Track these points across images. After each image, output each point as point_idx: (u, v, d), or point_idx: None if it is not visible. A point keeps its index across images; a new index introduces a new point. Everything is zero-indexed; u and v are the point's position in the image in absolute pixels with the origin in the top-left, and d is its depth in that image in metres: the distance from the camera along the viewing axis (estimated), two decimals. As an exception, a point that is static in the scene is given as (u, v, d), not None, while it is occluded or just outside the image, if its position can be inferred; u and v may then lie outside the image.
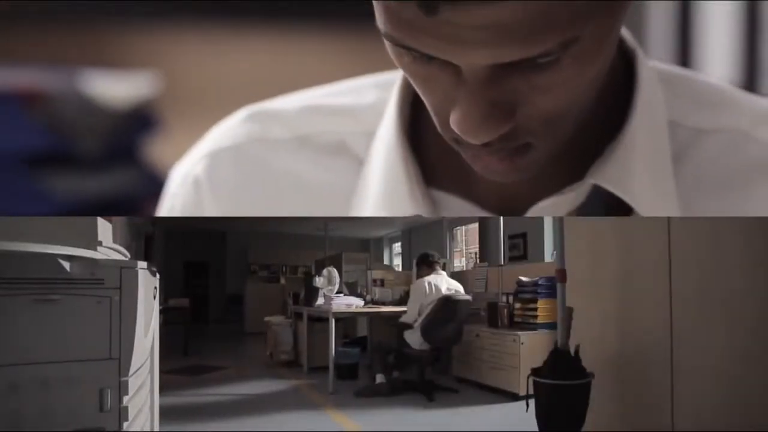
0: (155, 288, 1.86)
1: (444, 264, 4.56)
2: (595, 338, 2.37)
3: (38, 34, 2.39)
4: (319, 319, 4.89)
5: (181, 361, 5.58)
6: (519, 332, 3.72)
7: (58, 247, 1.29)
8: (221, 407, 3.63)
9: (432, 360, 4.03)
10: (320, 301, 4.96)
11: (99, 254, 1.42)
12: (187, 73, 2.44)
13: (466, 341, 4.16)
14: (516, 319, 4.01)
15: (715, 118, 0.86)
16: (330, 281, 5.09)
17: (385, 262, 10.72)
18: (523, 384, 2.38)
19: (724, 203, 0.84)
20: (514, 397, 3.56)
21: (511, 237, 6.20)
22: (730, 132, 0.85)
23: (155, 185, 1.23)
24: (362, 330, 5.97)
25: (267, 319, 5.88)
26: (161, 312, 4.20)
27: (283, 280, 9.96)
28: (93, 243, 1.40)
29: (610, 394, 2.31)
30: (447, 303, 3.87)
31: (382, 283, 6.16)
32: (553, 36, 0.66)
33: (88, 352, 1.35)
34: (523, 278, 4.06)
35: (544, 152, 0.78)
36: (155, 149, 1.34)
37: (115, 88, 1.18)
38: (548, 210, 0.85)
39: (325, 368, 4.19)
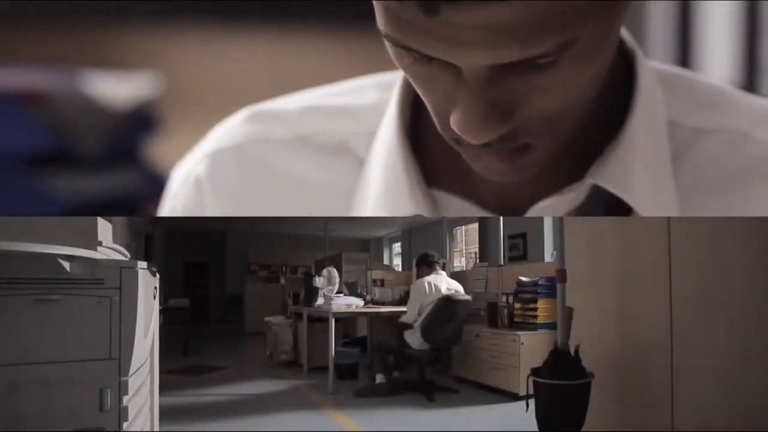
0: (155, 288, 1.86)
1: (444, 264, 4.56)
2: (595, 338, 2.37)
3: (38, 35, 2.39)
4: (319, 319, 4.89)
5: (181, 361, 5.58)
6: (519, 332, 3.72)
7: (58, 247, 1.29)
8: (221, 407, 3.64)
9: (432, 360, 4.03)
10: (320, 301, 4.97)
11: (99, 254, 1.42)
12: (187, 74, 2.44)
13: (466, 341, 4.16)
14: (516, 319, 4.01)
15: (715, 118, 0.86)
16: (330, 281, 5.10)
17: (385, 262, 10.72)
18: (523, 384, 2.38)
19: (724, 203, 0.85)
20: (514, 397, 3.56)
21: (511, 237, 6.20)
22: (730, 132, 0.86)
23: (156, 185, 1.23)
24: (362, 330, 5.97)
25: (267, 319, 5.88)
26: (161, 312, 4.20)
27: (283, 280, 9.96)
28: (93, 243, 1.40)
29: (610, 394, 2.32)
30: (447, 303, 3.87)
31: (382, 283, 6.17)
32: (552, 37, 0.66)
33: (88, 352, 1.36)
34: (523, 278, 4.06)
35: (543, 152, 0.78)
36: (156, 149, 1.34)
37: (115, 88, 1.18)
38: (548, 210, 0.85)
39: (325, 368, 4.19)
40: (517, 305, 4.02)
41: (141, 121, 1.24)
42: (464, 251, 8.70)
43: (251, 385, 4.39)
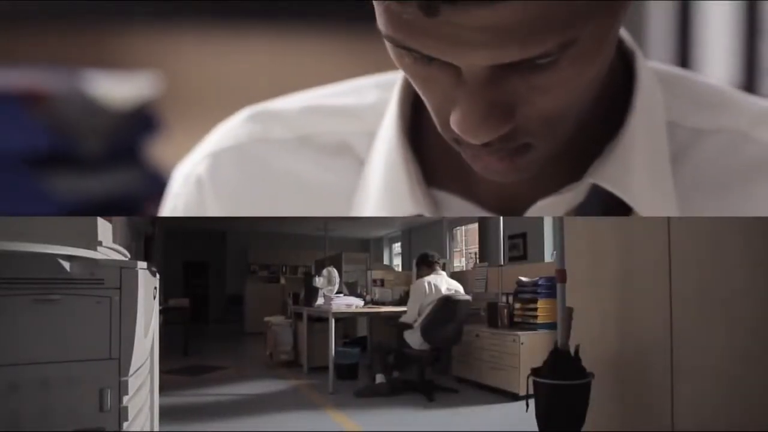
0: (155, 288, 1.86)
1: (444, 264, 4.57)
2: (595, 338, 2.37)
3: (38, 35, 2.39)
4: (319, 319, 4.89)
5: (181, 361, 5.58)
6: (519, 332, 3.72)
7: (58, 247, 1.30)
8: (221, 407, 3.64)
9: (432, 360, 4.03)
10: (320, 301, 4.97)
11: (99, 254, 1.42)
12: (187, 74, 2.45)
13: (466, 341, 4.16)
14: (516, 319, 4.01)
15: (714, 118, 0.87)
16: (330, 281, 5.10)
17: (385, 262, 10.72)
18: (523, 384, 2.38)
19: (723, 203, 0.85)
20: (514, 397, 3.56)
21: (511, 237, 6.20)
22: (729, 132, 0.86)
23: (157, 185, 1.23)
24: (362, 330, 5.97)
25: (267, 319, 5.88)
26: (161, 312, 4.21)
27: (283, 280, 9.96)
28: (93, 243, 1.40)
29: (610, 394, 2.32)
30: (447, 303, 3.87)
31: (382, 283, 6.17)
32: (552, 37, 0.66)
33: (88, 352, 1.36)
34: (523, 278, 4.06)
35: (543, 152, 0.78)
36: (156, 149, 1.34)
37: (116, 88, 1.19)
38: (547, 209, 0.86)
39: (325, 368, 4.19)
40: (517, 305, 4.02)
41: (141, 121, 1.24)
42: (464, 251, 8.70)
43: (251, 385, 4.39)
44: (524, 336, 3.66)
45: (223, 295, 11.58)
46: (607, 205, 0.86)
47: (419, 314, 3.94)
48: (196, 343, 6.61)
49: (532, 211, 0.86)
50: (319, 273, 5.23)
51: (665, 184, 0.85)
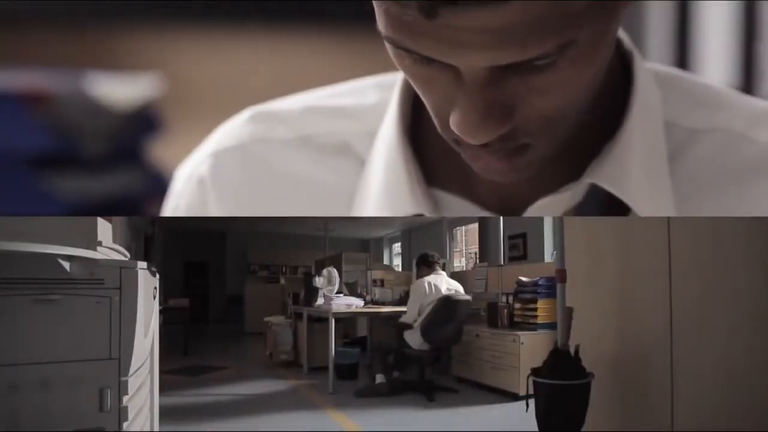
0: (155, 288, 1.86)
1: (444, 264, 4.57)
2: (595, 338, 2.37)
3: (39, 36, 2.39)
4: (319, 319, 4.89)
5: (181, 361, 5.58)
6: (519, 332, 3.73)
7: (58, 247, 1.30)
8: (221, 407, 3.64)
9: (432, 360, 4.03)
10: (320, 301, 4.97)
11: (99, 254, 1.42)
12: (188, 75, 2.45)
13: (466, 341, 4.16)
14: (516, 319, 4.01)
15: (711, 118, 0.87)
16: (330, 281, 5.10)
17: (385, 262, 10.72)
18: (523, 384, 2.38)
19: (720, 203, 0.85)
20: (514, 397, 3.56)
21: (511, 237, 6.20)
22: (726, 132, 0.86)
23: (159, 185, 1.23)
24: (362, 330, 5.97)
25: (267, 319, 5.88)
26: (161, 312, 4.21)
27: (283, 280, 9.95)
28: (93, 243, 1.40)
29: (610, 394, 2.32)
30: (447, 303, 3.88)
31: (382, 283, 6.17)
32: (551, 38, 0.66)
33: (88, 352, 1.36)
34: (523, 278, 4.06)
35: (542, 152, 0.79)
36: (158, 150, 1.34)
37: (118, 89, 1.19)
38: (546, 209, 0.86)
39: (325, 368, 4.19)
40: (517, 305, 4.02)
41: (143, 121, 1.24)
42: (464, 251, 8.70)
43: (251, 385, 4.39)
44: (524, 336, 3.66)
45: (223, 295, 11.58)
46: (605, 204, 0.87)
47: (419, 314, 3.94)
48: (196, 343, 6.61)
49: (532, 211, 0.86)
50: (319, 273, 5.23)
51: (663, 183, 0.85)
